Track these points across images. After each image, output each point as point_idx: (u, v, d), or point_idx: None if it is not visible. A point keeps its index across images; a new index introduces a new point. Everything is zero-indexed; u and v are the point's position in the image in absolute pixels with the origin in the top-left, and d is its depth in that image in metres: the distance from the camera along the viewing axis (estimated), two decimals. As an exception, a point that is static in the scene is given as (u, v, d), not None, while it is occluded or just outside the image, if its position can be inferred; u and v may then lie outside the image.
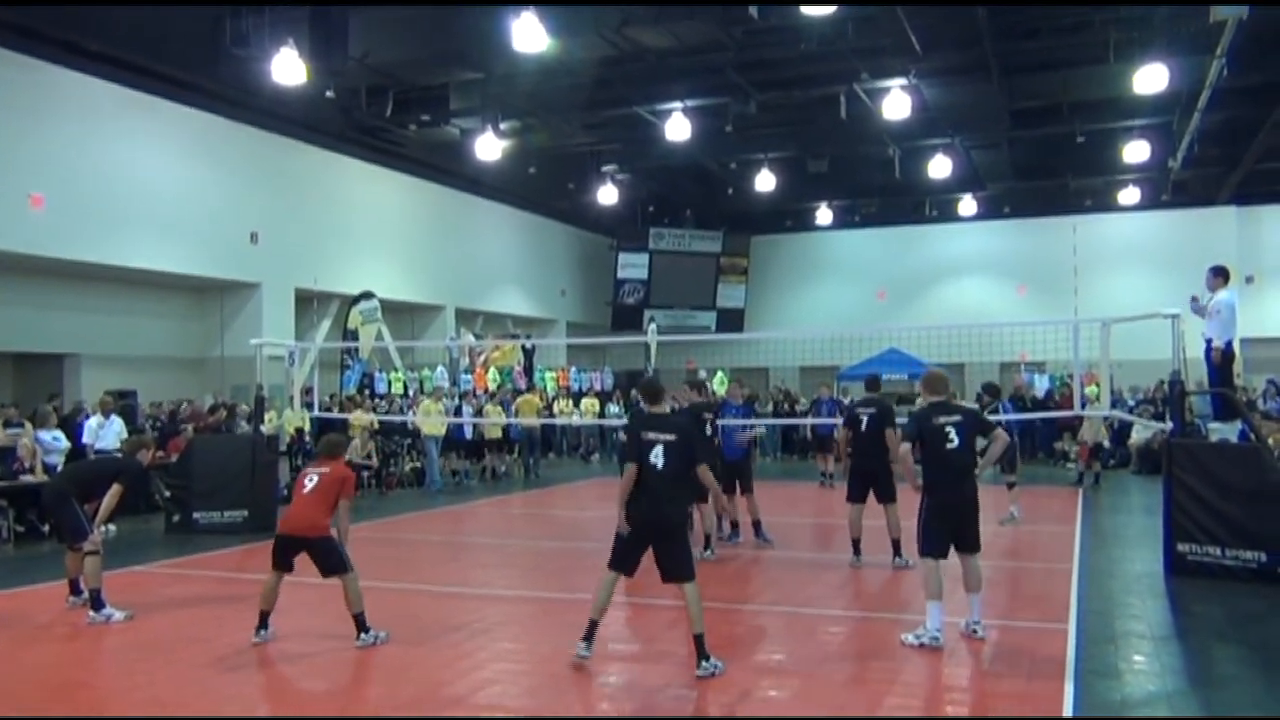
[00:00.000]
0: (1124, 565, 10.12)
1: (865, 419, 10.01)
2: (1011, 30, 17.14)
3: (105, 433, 13.47)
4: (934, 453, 7.05)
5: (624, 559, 6.52)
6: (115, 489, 8.06)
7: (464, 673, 6.53)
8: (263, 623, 7.22)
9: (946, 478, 7.02)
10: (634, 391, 17.22)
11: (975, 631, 7.08)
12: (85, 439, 13.25)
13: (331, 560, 7.10)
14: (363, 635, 7.07)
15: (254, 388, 13.75)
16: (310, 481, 7.28)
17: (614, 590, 6.58)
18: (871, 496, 10.05)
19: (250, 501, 12.85)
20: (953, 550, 7.11)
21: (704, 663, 6.25)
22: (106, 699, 6.19)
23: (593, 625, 6.49)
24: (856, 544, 10.07)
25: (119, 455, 8.64)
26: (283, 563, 7.19)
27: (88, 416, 14.22)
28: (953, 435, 7.00)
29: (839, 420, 13.25)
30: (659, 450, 6.39)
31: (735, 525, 11.40)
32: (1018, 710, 5.72)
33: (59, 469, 13.14)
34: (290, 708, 6.05)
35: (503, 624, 7.94)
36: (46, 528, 12.77)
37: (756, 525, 11.33)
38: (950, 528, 7.01)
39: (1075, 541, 11.48)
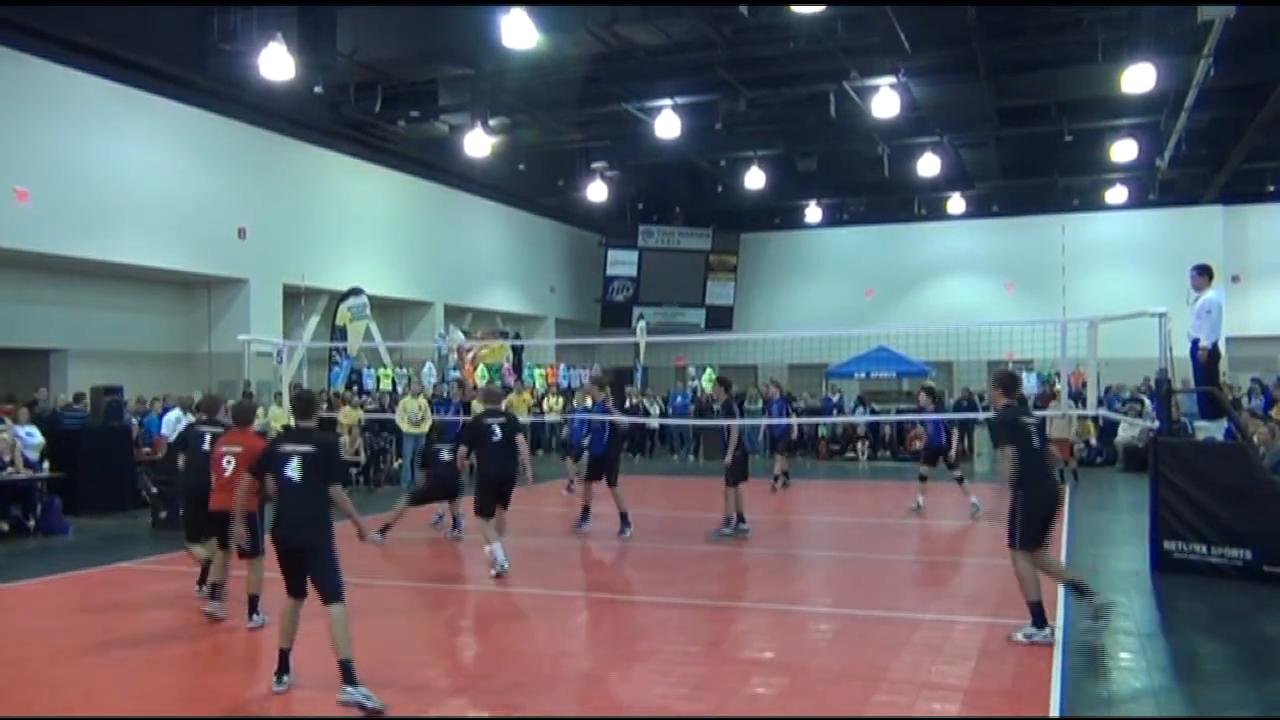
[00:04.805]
0: (1111, 563, 10.17)
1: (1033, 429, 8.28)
2: (1000, 29, 17.19)
3: (180, 425, 13.67)
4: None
5: (289, 584, 6.09)
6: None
7: (450, 671, 6.51)
8: (203, 579, 8.22)
9: (493, 461, 9.73)
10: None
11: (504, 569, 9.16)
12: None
13: (245, 544, 7.45)
14: (254, 617, 7.52)
15: (241, 384, 13.71)
16: (229, 465, 7.58)
17: (298, 616, 6.09)
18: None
19: (236, 498, 12.82)
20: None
21: (349, 689, 5.74)
22: (90, 696, 6.14)
23: (284, 655, 6.07)
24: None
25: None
26: (215, 533, 7.87)
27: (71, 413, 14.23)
28: (497, 431, 9.67)
29: (792, 420, 13.95)
30: (294, 463, 6.03)
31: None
32: (1006, 707, 5.74)
33: (44, 466, 13.09)
34: (274, 707, 6.01)
35: (489, 622, 7.93)
36: (31, 523, 12.68)
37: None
38: (493, 494, 9.65)
39: (1062, 539, 11.51)
